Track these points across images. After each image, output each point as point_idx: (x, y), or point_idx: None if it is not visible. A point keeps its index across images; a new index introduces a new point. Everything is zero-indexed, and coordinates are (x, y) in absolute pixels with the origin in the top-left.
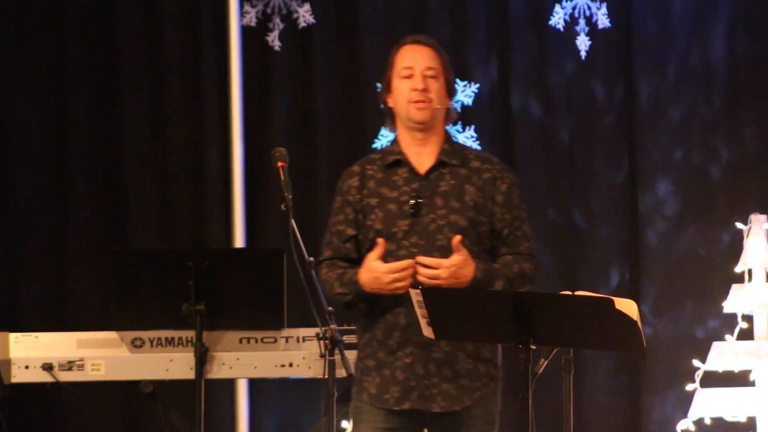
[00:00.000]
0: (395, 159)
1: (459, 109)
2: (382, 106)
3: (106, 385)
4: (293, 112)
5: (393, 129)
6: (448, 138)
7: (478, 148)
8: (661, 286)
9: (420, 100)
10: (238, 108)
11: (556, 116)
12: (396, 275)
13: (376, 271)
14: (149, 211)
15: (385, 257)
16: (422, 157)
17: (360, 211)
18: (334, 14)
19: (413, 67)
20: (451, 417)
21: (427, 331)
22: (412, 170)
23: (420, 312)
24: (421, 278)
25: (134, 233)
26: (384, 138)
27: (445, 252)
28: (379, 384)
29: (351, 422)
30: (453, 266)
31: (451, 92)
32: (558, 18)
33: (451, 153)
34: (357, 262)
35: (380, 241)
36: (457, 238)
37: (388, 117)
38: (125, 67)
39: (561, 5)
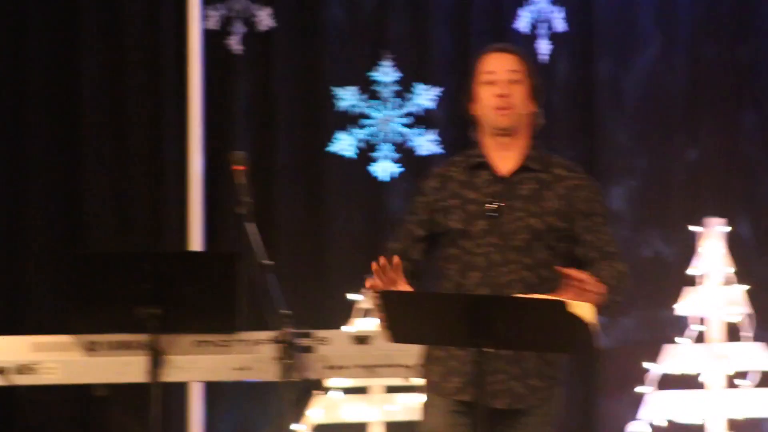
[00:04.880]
0: (478, 162)
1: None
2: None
3: (60, 388)
4: (253, 115)
5: (476, 137)
6: (533, 144)
7: (437, 150)
8: None
9: (503, 107)
10: (197, 111)
11: None
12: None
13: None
14: (106, 214)
15: (462, 255)
16: (505, 161)
17: (437, 211)
18: (294, 18)
19: (495, 72)
20: (514, 414)
21: (384, 335)
22: (494, 173)
23: (377, 315)
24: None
25: (91, 236)
26: (341, 141)
27: (521, 253)
28: (442, 373)
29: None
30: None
31: (537, 97)
32: (523, 22)
33: (535, 159)
34: (417, 262)
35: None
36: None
37: (473, 127)
38: (85, 69)
39: (525, 9)
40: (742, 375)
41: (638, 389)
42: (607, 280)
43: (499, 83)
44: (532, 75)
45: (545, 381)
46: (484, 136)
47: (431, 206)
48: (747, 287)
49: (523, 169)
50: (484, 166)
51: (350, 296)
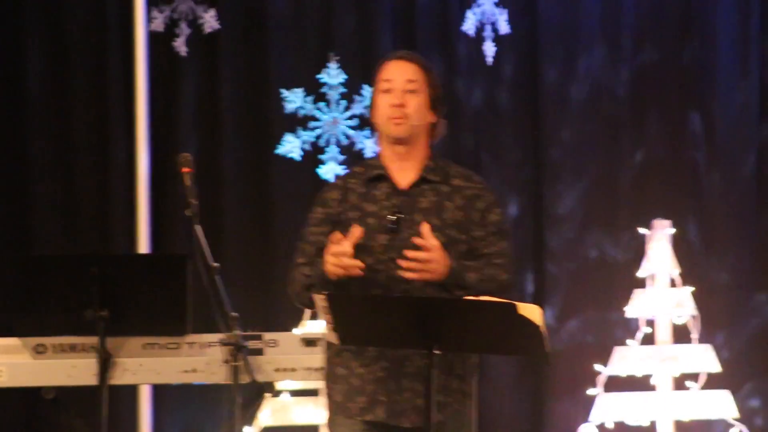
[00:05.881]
0: (377, 174)
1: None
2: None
3: (8, 391)
4: (199, 117)
5: (379, 144)
6: (432, 154)
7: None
8: (565, 291)
9: (397, 117)
10: (143, 113)
11: (462, 121)
12: (337, 257)
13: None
14: (54, 216)
15: (363, 271)
16: (404, 172)
17: (339, 224)
18: (239, 20)
19: (392, 80)
20: None
21: (331, 337)
22: (393, 186)
23: (324, 317)
24: (408, 275)
25: (38, 239)
26: (289, 144)
27: None
28: (345, 392)
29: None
30: (436, 248)
31: (436, 108)
32: (470, 24)
33: (433, 169)
34: None
35: (354, 230)
36: (427, 226)
37: (376, 133)
38: (31, 70)
39: (472, 11)
40: (690, 376)
41: (589, 391)
42: (470, 279)
43: (395, 92)
44: (431, 85)
45: (452, 396)
46: (383, 145)
47: (333, 218)
48: (692, 289)
49: (422, 180)
50: (383, 178)
51: None
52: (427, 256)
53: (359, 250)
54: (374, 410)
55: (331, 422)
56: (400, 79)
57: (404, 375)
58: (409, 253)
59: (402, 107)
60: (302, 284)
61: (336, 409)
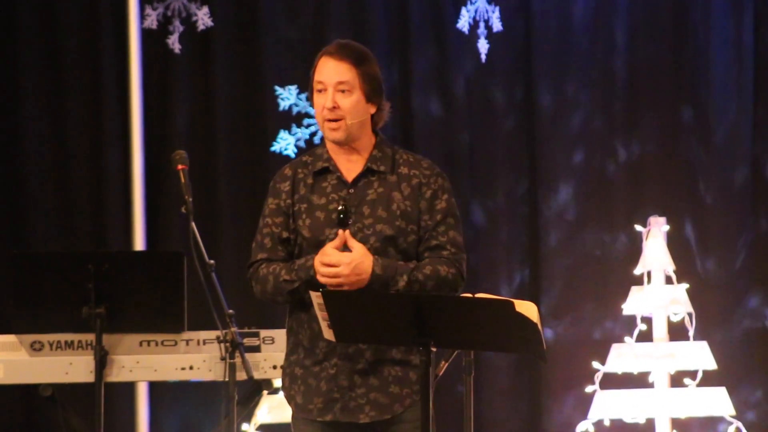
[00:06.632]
0: (324, 166)
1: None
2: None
3: (4, 388)
4: (193, 115)
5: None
6: (378, 142)
7: None
8: (561, 288)
9: (331, 119)
10: (138, 111)
11: (457, 119)
12: (332, 266)
13: (324, 253)
14: (49, 213)
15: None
16: (350, 164)
17: (291, 216)
18: (232, 17)
19: (324, 83)
20: (383, 425)
21: (328, 334)
22: (341, 178)
23: (321, 315)
24: (322, 279)
25: (34, 236)
26: (284, 141)
27: None
28: (304, 393)
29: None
30: (353, 261)
31: (373, 98)
32: (464, 21)
33: (379, 159)
34: None
35: (340, 233)
36: (342, 232)
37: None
38: (24, 68)
39: (466, 8)
40: (687, 373)
41: (587, 389)
42: (415, 271)
43: (327, 94)
44: (366, 79)
45: (411, 387)
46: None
47: (286, 211)
48: (687, 286)
49: (368, 171)
50: (329, 170)
51: None
52: (339, 271)
53: (309, 245)
54: (332, 409)
55: (294, 424)
56: (331, 81)
57: (356, 371)
58: (323, 269)
59: (335, 110)
60: (283, 290)
61: (297, 410)
